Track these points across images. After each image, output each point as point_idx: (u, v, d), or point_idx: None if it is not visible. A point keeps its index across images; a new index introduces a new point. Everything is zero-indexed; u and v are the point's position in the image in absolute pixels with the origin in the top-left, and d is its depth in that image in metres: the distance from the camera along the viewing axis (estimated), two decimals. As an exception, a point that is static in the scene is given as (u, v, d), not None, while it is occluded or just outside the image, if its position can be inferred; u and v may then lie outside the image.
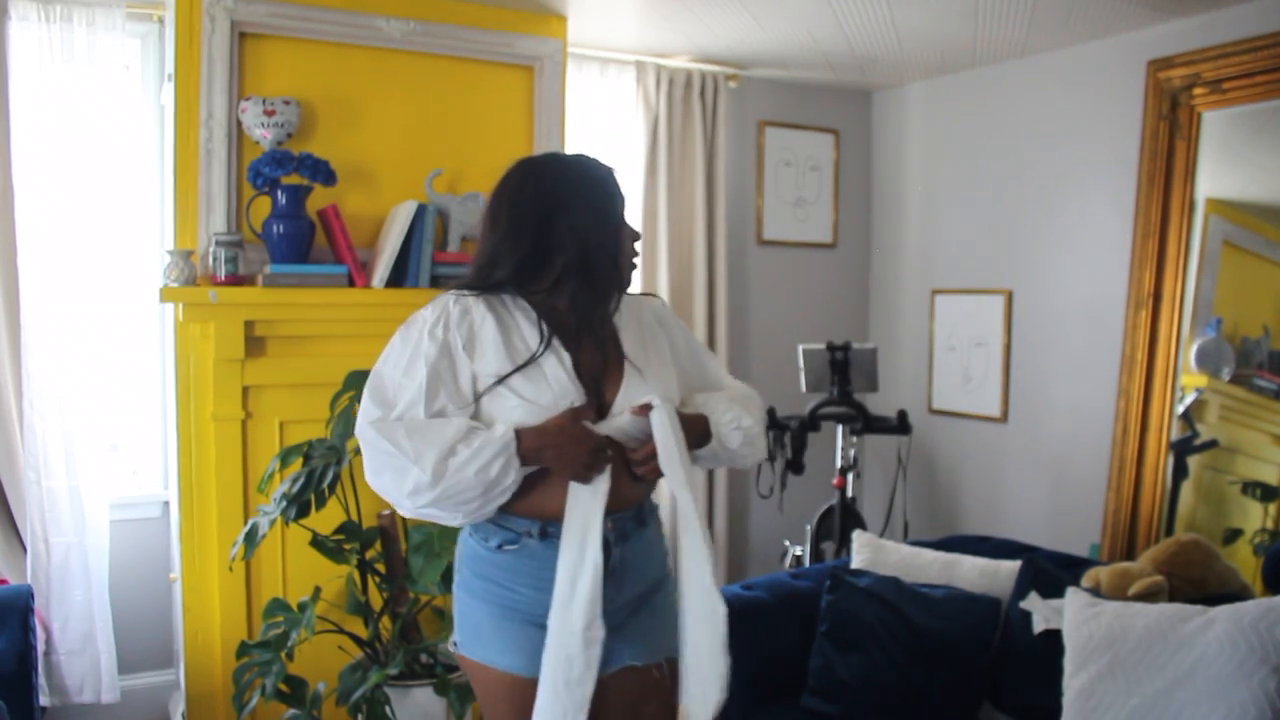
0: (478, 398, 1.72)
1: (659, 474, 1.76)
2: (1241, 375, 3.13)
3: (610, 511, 1.72)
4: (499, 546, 1.75)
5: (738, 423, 1.84)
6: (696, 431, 1.81)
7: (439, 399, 1.70)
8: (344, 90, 3.01)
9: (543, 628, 1.69)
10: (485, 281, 1.76)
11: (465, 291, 1.77)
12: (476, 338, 1.72)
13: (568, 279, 1.73)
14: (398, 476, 1.65)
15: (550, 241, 1.72)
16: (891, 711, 2.51)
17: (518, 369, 1.70)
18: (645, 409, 1.72)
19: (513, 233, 1.73)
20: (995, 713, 2.58)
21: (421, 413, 1.68)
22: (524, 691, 1.72)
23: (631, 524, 1.79)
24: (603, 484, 1.70)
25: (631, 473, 1.76)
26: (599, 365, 1.78)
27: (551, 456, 1.67)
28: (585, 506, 1.69)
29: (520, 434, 1.66)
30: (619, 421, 1.72)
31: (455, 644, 1.83)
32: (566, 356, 1.74)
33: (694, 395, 1.90)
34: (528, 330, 1.74)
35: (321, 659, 2.78)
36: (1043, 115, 3.68)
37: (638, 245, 1.86)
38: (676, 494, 1.73)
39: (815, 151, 4.32)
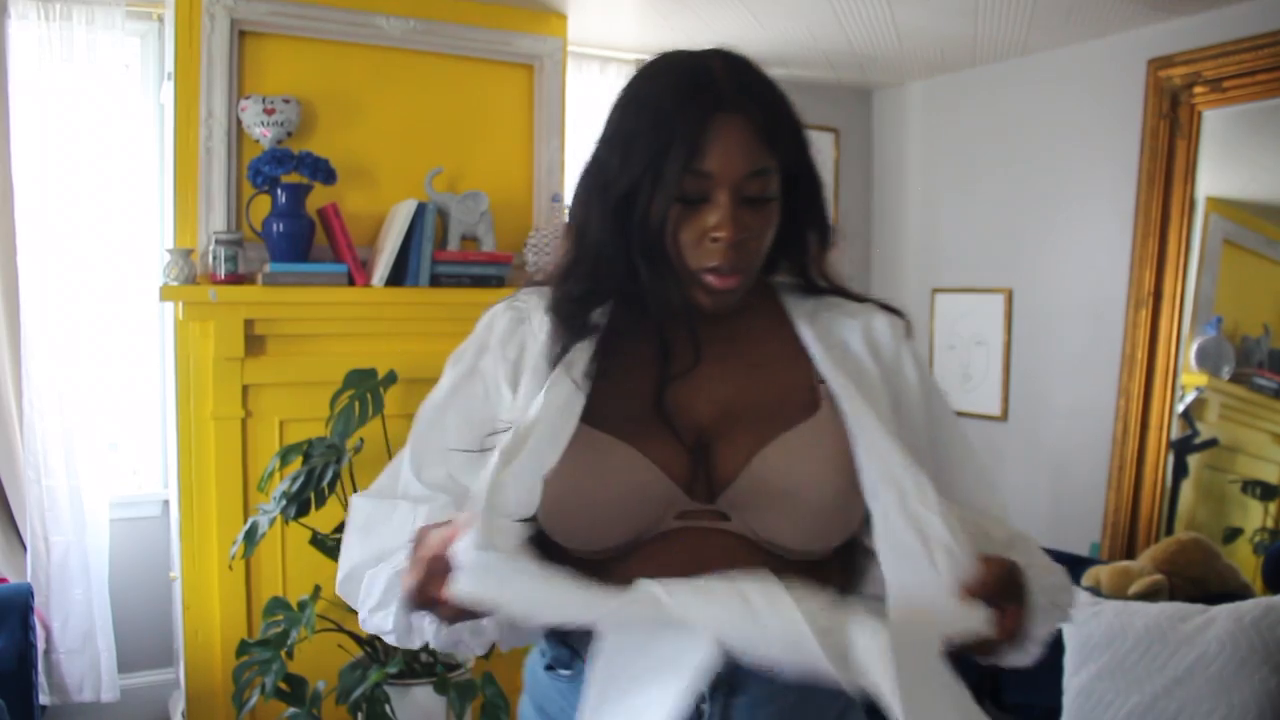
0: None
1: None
2: (1242, 374, 3.12)
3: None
4: (548, 668, 1.15)
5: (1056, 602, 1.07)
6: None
7: (431, 465, 1.12)
8: (344, 89, 3.01)
9: None
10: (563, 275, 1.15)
11: (534, 288, 1.18)
12: (526, 359, 1.12)
13: (581, 265, 1.13)
14: None
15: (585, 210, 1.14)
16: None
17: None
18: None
19: (572, 204, 1.16)
20: (995, 712, 2.58)
21: (414, 486, 1.12)
22: None
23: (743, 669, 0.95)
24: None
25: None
26: (705, 414, 1.11)
27: None
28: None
29: None
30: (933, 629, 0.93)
31: None
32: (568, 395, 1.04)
33: None
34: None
35: (321, 657, 2.77)
36: (1043, 114, 3.67)
37: (713, 199, 1.07)
38: None
39: (815, 150, 4.30)
